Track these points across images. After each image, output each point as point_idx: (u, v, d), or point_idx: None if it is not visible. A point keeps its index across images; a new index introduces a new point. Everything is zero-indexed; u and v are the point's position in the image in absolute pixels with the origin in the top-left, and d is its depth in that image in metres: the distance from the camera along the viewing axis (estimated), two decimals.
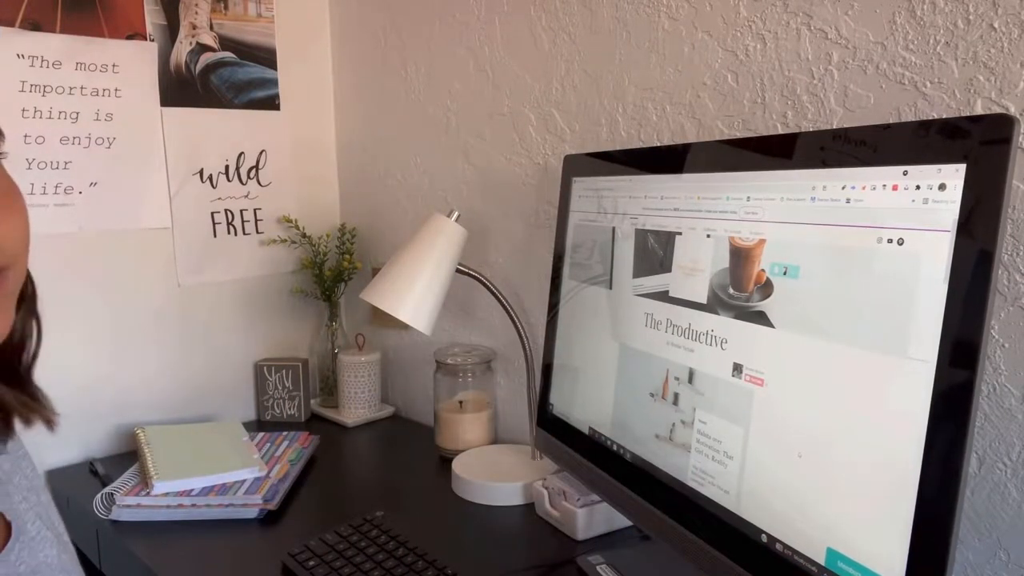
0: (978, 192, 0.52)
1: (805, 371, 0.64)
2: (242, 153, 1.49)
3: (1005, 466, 0.78)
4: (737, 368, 0.71)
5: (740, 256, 0.71)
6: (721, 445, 0.72)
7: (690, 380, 0.76)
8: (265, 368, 1.51)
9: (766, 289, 0.68)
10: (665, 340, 0.80)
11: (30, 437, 1.39)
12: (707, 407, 0.74)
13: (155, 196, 1.39)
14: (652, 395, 0.82)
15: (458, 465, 1.19)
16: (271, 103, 1.52)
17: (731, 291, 0.72)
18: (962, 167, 0.54)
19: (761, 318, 0.68)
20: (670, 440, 0.79)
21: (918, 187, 0.56)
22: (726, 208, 0.73)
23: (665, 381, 0.80)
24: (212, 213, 1.46)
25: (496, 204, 1.31)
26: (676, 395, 0.78)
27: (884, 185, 0.59)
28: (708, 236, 0.75)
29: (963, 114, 0.76)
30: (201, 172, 1.44)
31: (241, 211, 1.50)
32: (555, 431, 1.01)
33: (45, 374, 1.38)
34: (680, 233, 0.79)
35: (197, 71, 1.42)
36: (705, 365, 0.75)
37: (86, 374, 1.34)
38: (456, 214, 1.15)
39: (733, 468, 0.70)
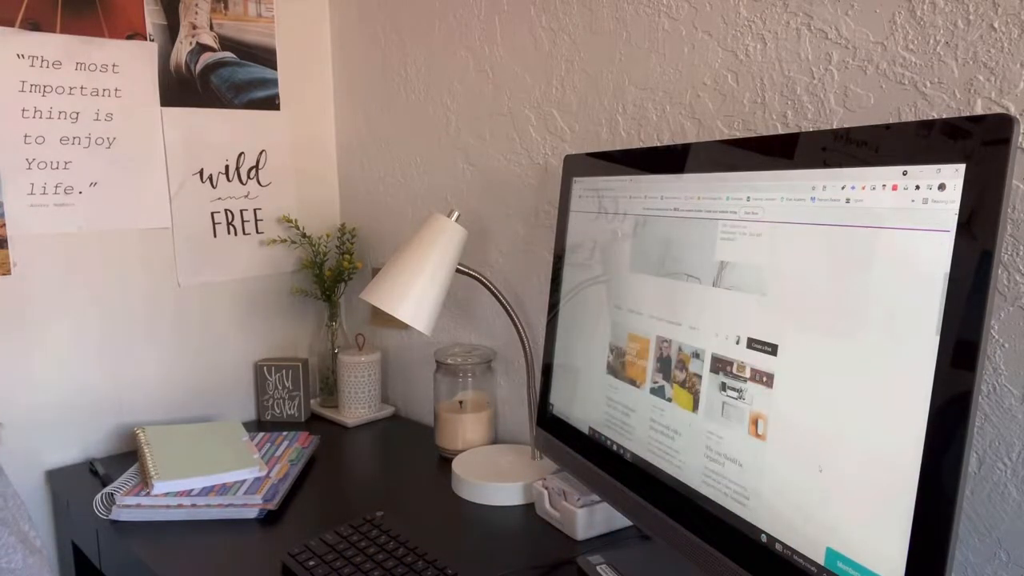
0: (978, 192, 0.52)
1: (804, 371, 0.64)
2: (242, 153, 1.49)
3: (1005, 466, 0.78)
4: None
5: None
6: (721, 446, 0.72)
7: None
8: (265, 368, 1.51)
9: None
10: None
11: (29, 438, 1.40)
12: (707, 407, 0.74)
13: (155, 196, 1.39)
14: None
15: (458, 465, 1.19)
16: (271, 103, 1.52)
17: None
18: (962, 167, 0.54)
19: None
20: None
21: (918, 187, 0.56)
22: (726, 208, 0.73)
23: None
24: (212, 213, 1.46)
25: (496, 204, 1.31)
26: None
27: (884, 185, 0.59)
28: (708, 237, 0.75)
29: (963, 114, 0.76)
30: (201, 172, 1.44)
31: (241, 211, 1.50)
32: (555, 431, 1.01)
33: (45, 374, 1.38)
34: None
35: (197, 71, 1.42)
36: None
37: (86, 374, 1.34)
38: (456, 214, 1.15)
39: (733, 468, 0.70)
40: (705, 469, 0.74)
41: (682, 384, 0.77)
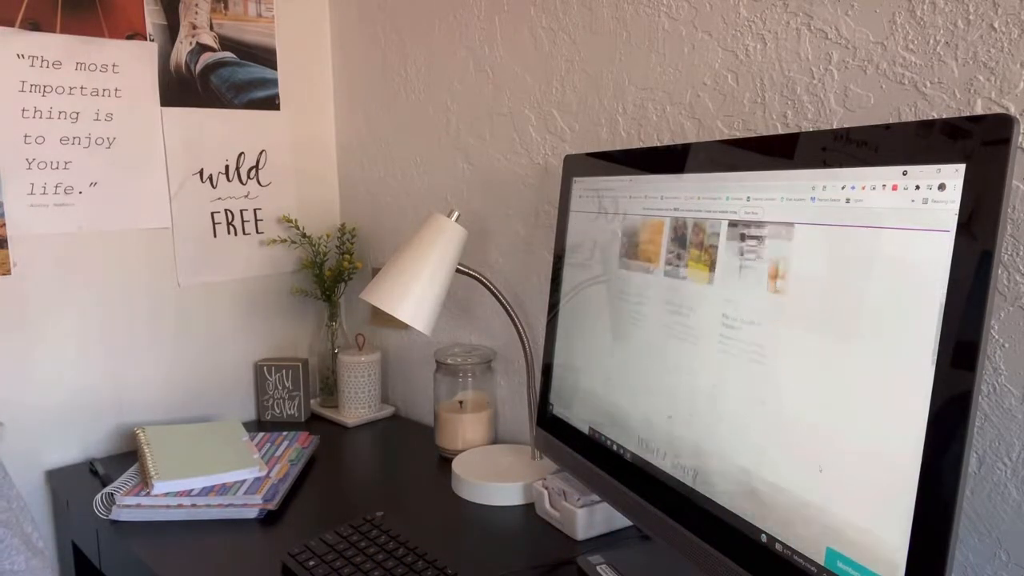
0: (978, 192, 0.52)
1: (805, 370, 0.64)
2: (242, 153, 1.49)
3: (1005, 466, 0.78)
4: None
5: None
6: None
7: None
8: (265, 368, 1.51)
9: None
10: None
11: (29, 438, 1.39)
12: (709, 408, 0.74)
13: (155, 196, 1.39)
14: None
15: (458, 465, 1.19)
16: (271, 103, 1.52)
17: None
18: (962, 167, 0.54)
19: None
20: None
21: (918, 187, 0.56)
22: (726, 208, 0.73)
23: None
24: (212, 213, 1.46)
25: (496, 204, 1.31)
26: None
27: (884, 185, 0.59)
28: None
29: (963, 114, 0.76)
30: (201, 172, 1.44)
31: (241, 211, 1.50)
32: (555, 431, 1.01)
33: (45, 374, 1.38)
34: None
35: (197, 71, 1.42)
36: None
37: (86, 374, 1.34)
38: (456, 214, 1.15)
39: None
40: (720, 336, 0.73)
41: (697, 258, 0.76)
